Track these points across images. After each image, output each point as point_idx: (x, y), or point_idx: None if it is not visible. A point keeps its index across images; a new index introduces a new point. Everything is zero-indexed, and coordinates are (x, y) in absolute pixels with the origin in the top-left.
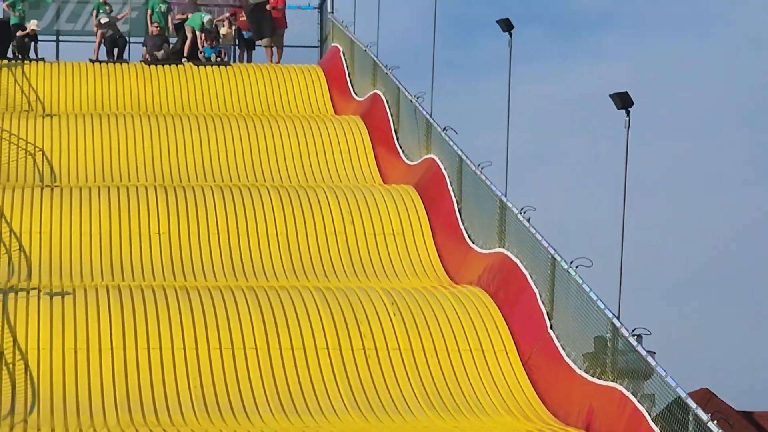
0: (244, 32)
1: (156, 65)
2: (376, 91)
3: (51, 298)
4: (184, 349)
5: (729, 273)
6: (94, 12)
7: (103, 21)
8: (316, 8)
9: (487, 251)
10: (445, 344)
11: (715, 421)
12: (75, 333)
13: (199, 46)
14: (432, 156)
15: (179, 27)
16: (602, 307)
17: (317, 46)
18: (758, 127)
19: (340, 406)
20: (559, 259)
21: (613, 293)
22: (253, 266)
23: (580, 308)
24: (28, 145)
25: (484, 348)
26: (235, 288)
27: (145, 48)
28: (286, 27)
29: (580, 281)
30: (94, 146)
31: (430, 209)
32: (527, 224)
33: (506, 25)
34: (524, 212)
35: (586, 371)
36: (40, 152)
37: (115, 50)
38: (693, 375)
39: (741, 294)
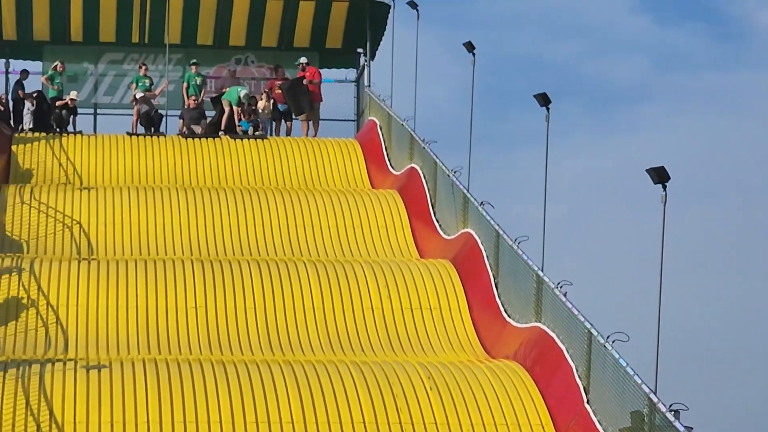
0: (279, 105)
1: (193, 138)
2: (413, 164)
3: (87, 372)
4: (221, 423)
5: None
6: (133, 85)
7: (138, 96)
8: (353, 82)
9: (523, 325)
10: (482, 419)
11: None
12: (111, 406)
13: (236, 120)
14: (469, 230)
15: (216, 100)
16: (639, 381)
17: (354, 120)
18: None
19: None
20: (595, 333)
21: (650, 368)
22: (289, 340)
23: (617, 383)
24: (66, 217)
25: (521, 423)
26: (272, 362)
27: (182, 121)
28: (322, 100)
29: (617, 356)
30: (131, 219)
31: (467, 283)
32: (564, 299)
33: (543, 100)
34: (561, 287)
35: None
36: (78, 225)
37: (152, 128)
38: None
39: None
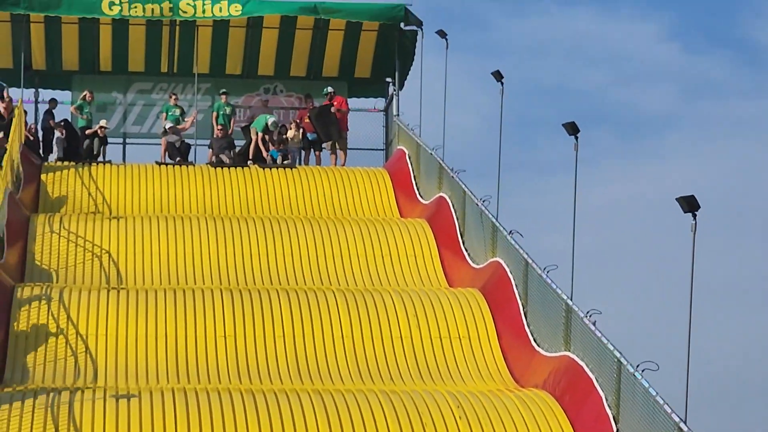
0: (309, 134)
1: (222, 168)
2: (441, 194)
3: (117, 401)
4: None
5: None
6: (163, 114)
7: (167, 126)
8: (381, 111)
9: (553, 355)
10: None
11: None
12: None
13: (263, 148)
14: (498, 259)
15: (246, 129)
16: (669, 411)
17: (383, 149)
18: None
19: None
20: (625, 362)
21: (680, 397)
22: (318, 369)
23: (647, 412)
24: (95, 247)
25: None
26: (301, 391)
27: (211, 150)
28: (348, 130)
29: (647, 385)
30: (160, 249)
31: (496, 313)
32: (593, 327)
33: (572, 129)
34: (590, 315)
35: None
36: (107, 254)
37: (178, 158)
38: None
39: None
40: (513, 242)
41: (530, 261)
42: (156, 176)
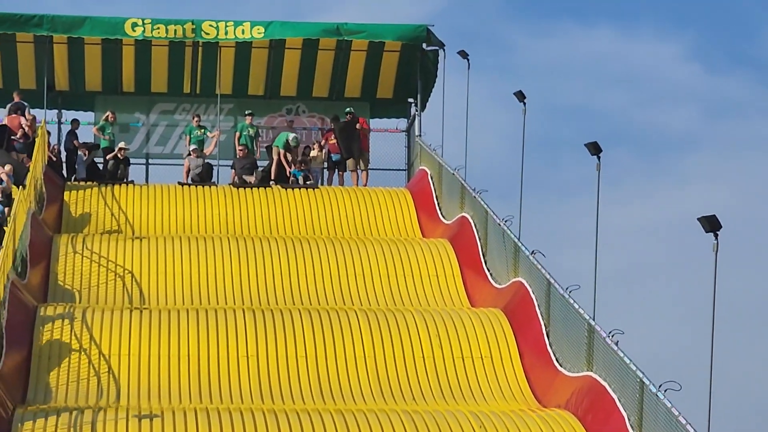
0: (333, 155)
1: (244, 188)
2: (463, 213)
3: (139, 420)
4: None
5: None
6: (187, 138)
7: (191, 149)
8: (403, 131)
9: (575, 375)
10: None
11: None
12: None
13: (285, 164)
14: (520, 279)
15: (269, 150)
16: (692, 431)
17: (405, 169)
18: None
19: None
20: (647, 382)
21: (702, 417)
22: (341, 389)
23: None
24: (118, 267)
25: None
26: (323, 411)
27: (233, 171)
28: (368, 150)
29: (669, 405)
30: (182, 269)
31: (518, 332)
32: (615, 347)
33: (594, 149)
34: (612, 335)
35: None
36: (129, 274)
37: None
38: None
39: None
40: (535, 262)
41: (552, 281)
42: (179, 197)
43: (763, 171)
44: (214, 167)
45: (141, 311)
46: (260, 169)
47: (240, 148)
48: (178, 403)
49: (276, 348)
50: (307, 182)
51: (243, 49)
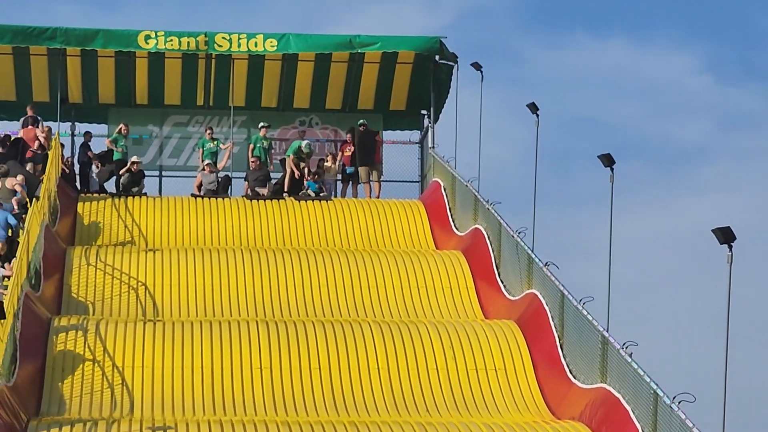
0: (347, 167)
1: (258, 200)
2: (477, 225)
3: None
4: None
5: None
6: (200, 150)
7: (205, 163)
8: (416, 143)
9: (589, 386)
10: None
11: None
12: None
13: (295, 168)
14: (534, 291)
15: (284, 162)
16: None
17: (418, 181)
18: None
19: None
20: (661, 394)
21: (717, 429)
22: (354, 401)
23: None
24: (131, 279)
25: None
26: (337, 423)
27: (246, 183)
28: (381, 162)
29: (684, 417)
30: (196, 281)
31: (532, 344)
32: (629, 359)
33: (608, 161)
34: (626, 347)
35: None
36: (143, 286)
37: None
38: None
39: None
40: (549, 274)
41: (566, 292)
42: (192, 209)
43: None
44: (230, 179)
45: (154, 323)
46: (273, 181)
47: (252, 159)
48: (191, 415)
49: (289, 360)
50: (321, 194)
51: (256, 61)
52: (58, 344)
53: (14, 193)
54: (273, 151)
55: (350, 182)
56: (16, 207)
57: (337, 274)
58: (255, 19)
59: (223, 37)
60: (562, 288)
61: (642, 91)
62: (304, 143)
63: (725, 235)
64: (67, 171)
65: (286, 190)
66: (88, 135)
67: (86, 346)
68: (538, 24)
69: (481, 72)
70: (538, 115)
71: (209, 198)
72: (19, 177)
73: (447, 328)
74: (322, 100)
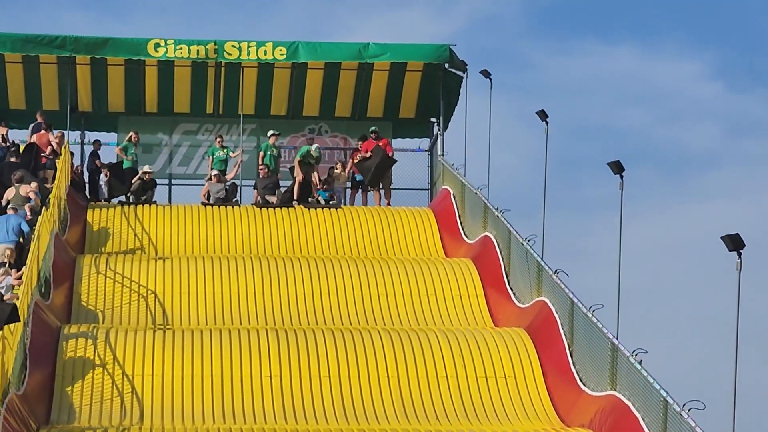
0: (356, 175)
1: (267, 208)
2: (486, 233)
3: None
4: None
5: None
6: (210, 158)
7: (213, 174)
8: (426, 151)
9: (598, 394)
10: None
11: None
12: None
13: (300, 171)
14: (543, 298)
15: (293, 170)
16: None
17: (428, 189)
18: None
19: None
20: (671, 401)
21: None
22: (364, 409)
23: None
24: (141, 287)
25: None
26: (347, 431)
27: (256, 191)
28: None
29: (693, 424)
30: (205, 289)
31: (542, 352)
32: (639, 366)
33: (617, 168)
34: (636, 354)
35: None
36: (153, 295)
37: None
38: None
39: None
40: (558, 281)
41: (576, 300)
42: (201, 217)
43: None
44: (237, 186)
45: (164, 331)
46: (283, 189)
47: (261, 167)
48: (201, 424)
49: (299, 368)
50: (330, 202)
51: (265, 69)
52: (67, 353)
53: (28, 199)
54: (282, 159)
55: (359, 190)
56: (29, 213)
57: (346, 281)
58: (264, 27)
59: (233, 45)
60: (571, 295)
61: (651, 98)
62: (313, 147)
63: (734, 242)
64: (77, 179)
65: (296, 197)
66: (97, 143)
67: (96, 354)
68: (546, 31)
69: (490, 79)
70: (547, 123)
71: (218, 206)
72: (33, 184)
73: (456, 335)
74: (332, 107)
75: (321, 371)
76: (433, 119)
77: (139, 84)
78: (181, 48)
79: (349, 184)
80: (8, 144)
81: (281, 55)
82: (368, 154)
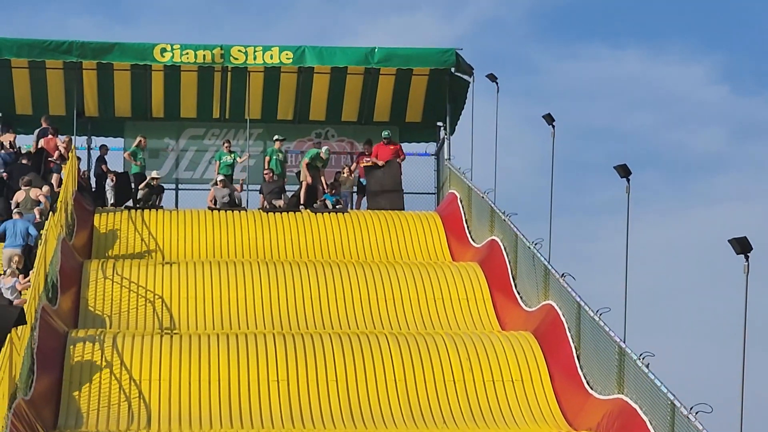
0: (362, 179)
1: (273, 212)
2: (493, 237)
3: None
4: None
5: None
6: (217, 163)
7: (219, 179)
8: (432, 155)
9: (606, 397)
10: None
11: None
12: None
13: (308, 173)
14: (550, 302)
15: (300, 173)
16: None
17: (434, 193)
18: None
19: None
20: (678, 405)
21: None
22: (371, 413)
23: None
24: (148, 292)
25: None
26: None
27: (262, 195)
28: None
29: (701, 427)
30: (212, 293)
31: (549, 355)
32: (646, 370)
33: (624, 171)
34: (643, 358)
35: None
36: (160, 299)
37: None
38: None
39: None
40: (565, 285)
41: (583, 303)
42: (208, 221)
43: None
44: (242, 193)
45: (171, 336)
46: (290, 194)
47: (266, 172)
48: (209, 428)
49: (306, 372)
50: (337, 206)
51: (272, 73)
52: (75, 357)
53: (38, 203)
54: (288, 164)
55: (365, 193)
56: (38, 216)
57: (353, 285)
58: (271, 31)
59: (239, 50)
60: (578, 299)
61: (657, 101)
62: (323, 149)
63: (742, 246)
64: (84, 184)
65: (302, 202)
66: (104, 148)
67: (103, 359)
68: (552, 35)
69: (497, 83)
70: (554, 126)
71: (225, 211)
72: (45, 188)
73: (464, 339)
74: (338, 112)
75: (328, 375)
76: (439, 123)
77: (146, 89)
78: (187, 53)
79: (355, 188)
80: (16, 149)
81: (288, 59)
82: (380, 162)
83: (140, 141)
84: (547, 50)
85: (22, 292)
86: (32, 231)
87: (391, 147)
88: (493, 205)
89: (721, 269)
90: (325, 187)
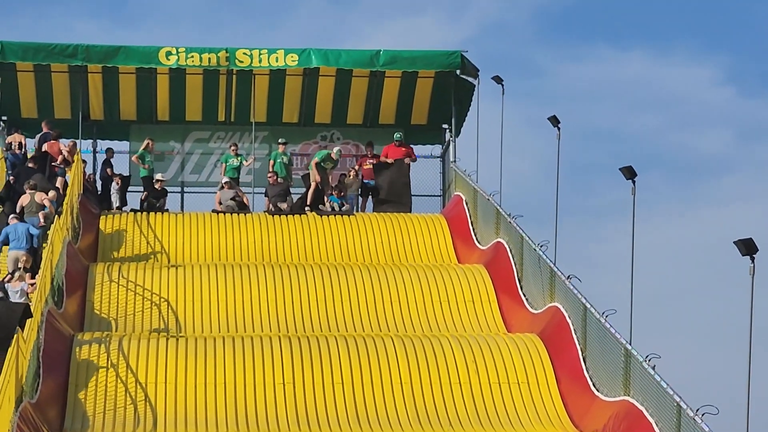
0: (366, 181)
1: (279, 215)
2: (499, 239)
3: None
4: None
5: None
6: (223, 165)
7: (224, 182)
8: (438, 157)
9: (612, 399)
10: None
11: None
12: None
13: (316, 172)
14: (556, 304)
15: (306, 177)
16: None
17: (440, 195)
18: None
19: None
20: (685, 406)
21: None
22: (377, 415)
23: None
24: (153, 295)
25: None
26: None
27: (267, 198)
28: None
29: (707, 429)
30: (218, 296)
31: (555, 357)
32: (652, 372)
33: (629, 173)
34: (649, 360)
35: None
36: (165, 302)
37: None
38: None
39: None
40: (571, 287)
41: (589, 305)
42: (214, 224)
43: None
44: (248, 194)
45: (177, 339)
46: (297, 196)
47: (270, 174)
48: (215, 431)
49: (312, 375)
50: (342, 209)
51: (277, 76)
52: (81, 360)
53: (42, 207)
54: (293, 166)
55: (369, 196)
56: (42, 220)
57: (359, 288)
58: (276, 34)
59: (244, 53)
60: (584, 301)
61: (662, 103)
62: (335, 150)
63: (747, 247)
64: (90, 188)
65: (309, 203)
66: (110, 152)
67: (109, 362)
68: (557, 37)
69: (503, 86)
70: (559, 128)
71: (230, 213)
72: (51, 193)
73: (470, 341)
74: (344, 114)
75: (334, 378)
76: (445, 125)
77: (151, 92)
78: (192, 56)
79: (359, 191)
80: (24, 151)
81: (293, 62)
82: (390, 160)
83: (148, 144)
84: (552, 52)
85: (30, 295)
86: (33, 231)
87: (403, 149)
88: (498, 207)
89: (727, 271)
90: (330, 189)
